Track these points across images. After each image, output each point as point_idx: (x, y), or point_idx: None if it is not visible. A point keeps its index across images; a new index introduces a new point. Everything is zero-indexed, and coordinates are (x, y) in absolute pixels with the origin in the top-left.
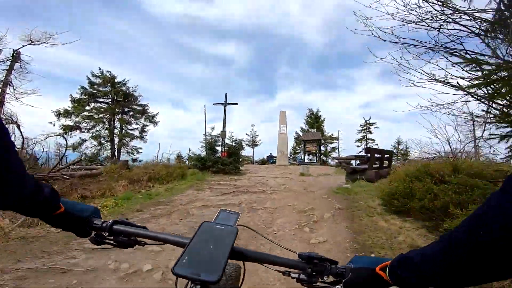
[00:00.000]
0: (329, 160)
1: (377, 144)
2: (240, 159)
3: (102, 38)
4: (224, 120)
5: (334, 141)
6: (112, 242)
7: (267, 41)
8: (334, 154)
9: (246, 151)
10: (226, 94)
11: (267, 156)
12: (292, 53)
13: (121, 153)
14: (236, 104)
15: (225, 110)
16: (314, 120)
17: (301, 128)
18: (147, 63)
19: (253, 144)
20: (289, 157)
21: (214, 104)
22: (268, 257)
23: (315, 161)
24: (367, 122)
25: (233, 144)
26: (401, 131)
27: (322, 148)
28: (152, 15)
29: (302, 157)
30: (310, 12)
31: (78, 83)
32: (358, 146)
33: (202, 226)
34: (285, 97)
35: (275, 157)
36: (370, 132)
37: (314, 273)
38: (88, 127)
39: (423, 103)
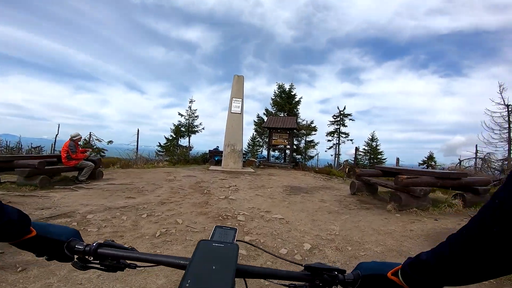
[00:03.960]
0: (306, 162)
1: (351, 140)
2: None
3: (47, 12)
4: None
5: (313, 132)
6: (98, 266)
7: (236, 29)
8: (313, 153)
9: (184, 141)
10: None
11: (210, 151)
12: (260, 44)
13: None
14: None
15: None
16: (286, 100)
17: (266, 110)
18: (100, 41)
19: (189, 130)
20: (245, 154)
21: None
22: (273, 272)
23: (283, 161)
24: (341, 112)
25: None
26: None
27: (295, 142)
28: None
29: (266, 154)
30: (283, 5)
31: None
32: (329, 141)
33: (200, 245)
34: (248, 86)
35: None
36: (344, 125)
37: (321, 284)
38: None
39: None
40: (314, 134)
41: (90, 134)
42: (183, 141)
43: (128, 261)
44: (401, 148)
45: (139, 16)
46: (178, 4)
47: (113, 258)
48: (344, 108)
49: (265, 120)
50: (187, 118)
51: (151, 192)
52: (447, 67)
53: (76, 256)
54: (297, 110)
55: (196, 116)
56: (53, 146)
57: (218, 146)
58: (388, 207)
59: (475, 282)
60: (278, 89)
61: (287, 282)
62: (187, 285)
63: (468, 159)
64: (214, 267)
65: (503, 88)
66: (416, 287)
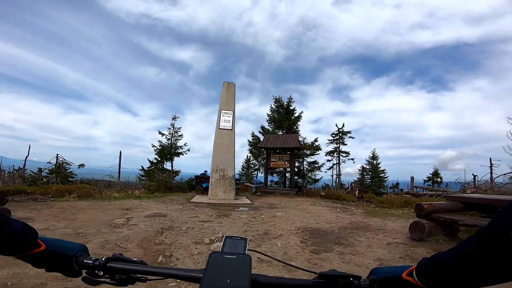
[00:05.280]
0: (309, 185)
1: (352, 159)
2: None
3: (41, 30)
4: None
5: (316, 152)
6: (108, 280)
7: (228, 49)
8: (318, 175)
9: (169, 164)
10: None
11: (196, 177)
12: (252, 64)
13: None
14: None
15: None
16: (284, 116)
17: (262, 128)
18: (92, 60)
19: (173, 152)
20: (238, 179)
21: None
22: (287, 282)
23: (282, 186)
24: (340, 130)
25: None
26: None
27: (295, 164)
28: (107, 11)
29: (263, 179)
30: (274, 25)
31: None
32: (328, 160)
33: (211, 258)
34: (242, 108)
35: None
36: (344, 144)
37: None
38: None
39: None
40: (317, 154)
41: (57, 157)
42: (170, 165)
43: (138, 275)
44: (392, 165)
45: (132, 36)
46: (170, 24)
47: (123, 272)
48: (343, 125)
49: (262, 140)
50: (169, 137)
51: None
52: (433, 81)
53: (84, 271)
54: (297, 127)
55: (180, 136)
56: (21, 168)
57: (206, 171)
58: None
59: (489, 284)
60: (275, 103)
61: None
62: None
63: (504, 174)
64: (228, 281)
65: None
66: (432, 286)
